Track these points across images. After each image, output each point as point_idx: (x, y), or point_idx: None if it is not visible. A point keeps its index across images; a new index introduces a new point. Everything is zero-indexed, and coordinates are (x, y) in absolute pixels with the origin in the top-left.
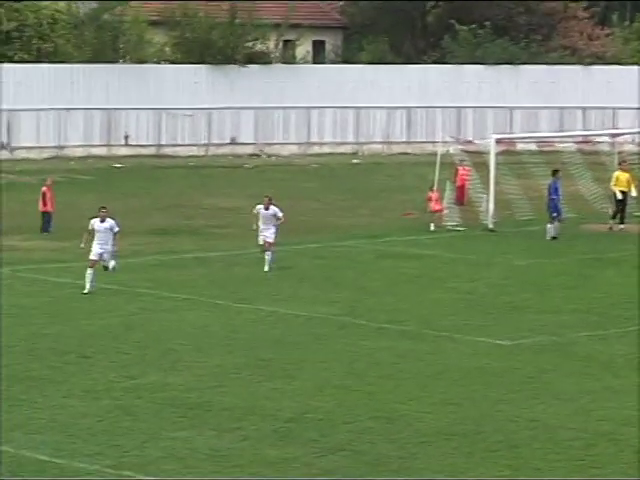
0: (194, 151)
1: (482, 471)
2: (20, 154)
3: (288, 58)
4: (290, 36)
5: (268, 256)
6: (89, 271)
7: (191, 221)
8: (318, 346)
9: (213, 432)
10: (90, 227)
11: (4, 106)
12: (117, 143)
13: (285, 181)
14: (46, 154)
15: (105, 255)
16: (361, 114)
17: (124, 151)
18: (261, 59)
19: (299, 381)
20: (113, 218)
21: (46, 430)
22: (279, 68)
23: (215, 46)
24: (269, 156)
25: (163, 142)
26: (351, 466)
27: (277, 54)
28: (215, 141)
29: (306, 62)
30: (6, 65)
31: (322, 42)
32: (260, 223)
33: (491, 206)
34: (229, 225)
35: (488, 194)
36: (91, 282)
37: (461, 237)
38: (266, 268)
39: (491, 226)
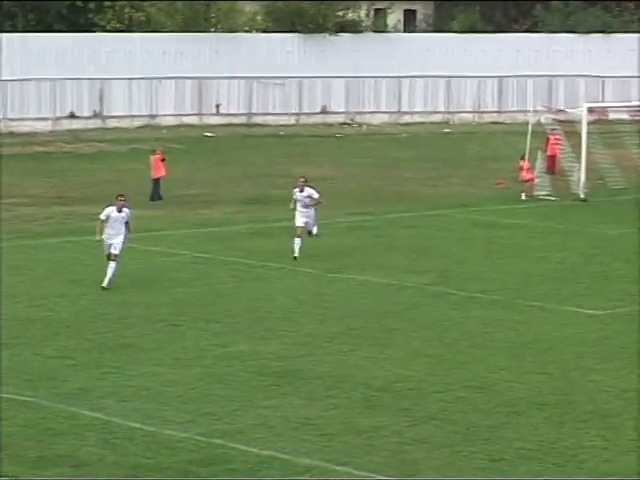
0: (285, 120)
1: (573, 441)
2: (112, 123)
3: (379, 27)
4: (381, 5)
5: (298, 244)
6: None
7: (281, 190)
8: (409, 315)
9: (304, 401)
10: (104, 216)
11: (96, 75)
12: (208, 112)
13: (376, 150)
14: (137, 123)
15: (115, 247)
16: (452, 83)
17: (215, 120)
18: (352, 28)
19: (390, 350)
20: (129, 208)
21: (137, 398)
22: (370, 37)
23: (306, 15)
24: (360, 125)
25: (254, 111)
26: (442, 435)
27: (368, 23)
28: (306, 110)
29: (397, 31)
30: (99, 34)
31: (413, 11)
32: (298, 205)
33: (583, 175)
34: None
35: (580, 163)
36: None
37: (552, 206)
38: (296, 254)
39: (582, 195)
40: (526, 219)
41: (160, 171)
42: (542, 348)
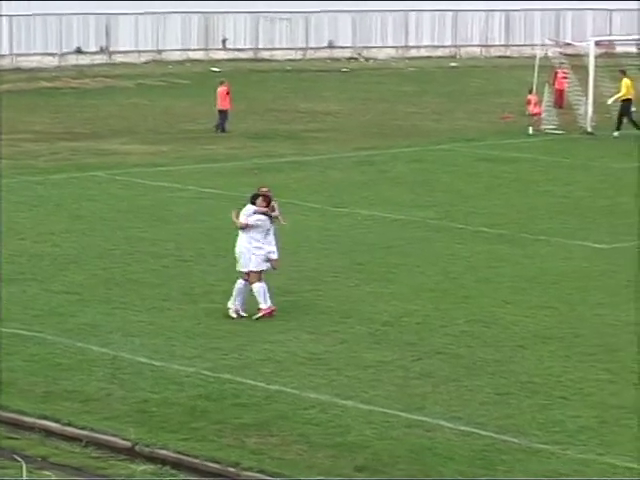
0: (291, 55)
1: (579, 374)
2: (118, 58)
3: None
4: None
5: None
6: None
7: (287, 125)
8: (414, 250)
9: (310, 335)
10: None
11: (103, 10)
12: (215, 47)
13: (382, 84)
14: (144, 58)
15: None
16: (459, 17)
17: (221, 55)
18: None
19: (396, 285)
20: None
21: (145, 333)
22: None
23: None
24: (366, 60)
25: (261, 46)
26: (447, 369)
27: None
28: (312, 45)
29: None
30: None
31: None
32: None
33: (590, 109)
34: (325, 129)
35: (587, 97)
36: None
37: (559, 140)
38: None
39: (589, 129)
40: (531, 153)
41: (225, 103)
42: (548, 282)
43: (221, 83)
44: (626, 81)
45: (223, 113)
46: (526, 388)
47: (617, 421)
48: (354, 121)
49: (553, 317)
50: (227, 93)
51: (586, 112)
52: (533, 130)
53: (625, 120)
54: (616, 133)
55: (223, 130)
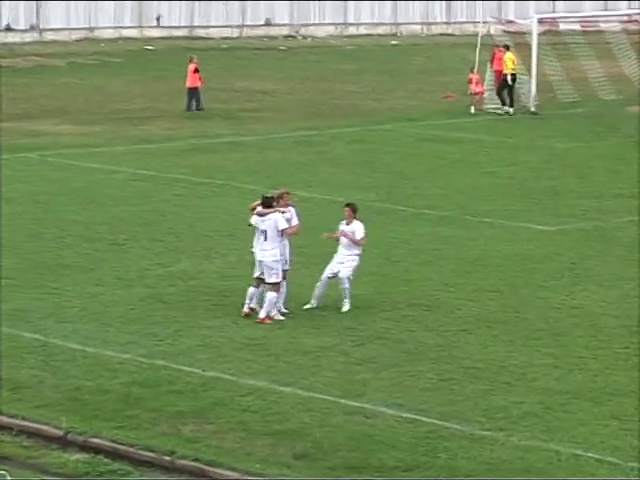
0: (228, 33)
1: (524, 359)
2: (49, 36)
3: None
4: None
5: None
6: None
7: (224, 105)
8: None
9: (248, 320)
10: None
11: None
12: (148, 24)
13: (320, 63)
14: (75, 36)
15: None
16: None
17: (156, 33)
18: None
19: None
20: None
21: (77, 319)
22: None
23: None
24: (304, 37)
25: (196, 23)
26: (389, 355)
27: None
28: (249, 22)
29: None
30: None
31: None
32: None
33: (533, 88)
34: (263, 109)
35: (530, 76)
36: None
37: (502, 120)
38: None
39: (533, 109)
40: (475, 133)
41: (195, 81)
42: (491, 265)
43: (190, 60)
44: (510, 55)
45: (193, 91)
46: (469, 374)
47: (562, 407)
48: (292, 100)
49: (497, 301)
50: (196, 70)
51: (529, 91)
52: (475, 109)
53: (505, 93)
54: (511, 110)
55: (198, 108)
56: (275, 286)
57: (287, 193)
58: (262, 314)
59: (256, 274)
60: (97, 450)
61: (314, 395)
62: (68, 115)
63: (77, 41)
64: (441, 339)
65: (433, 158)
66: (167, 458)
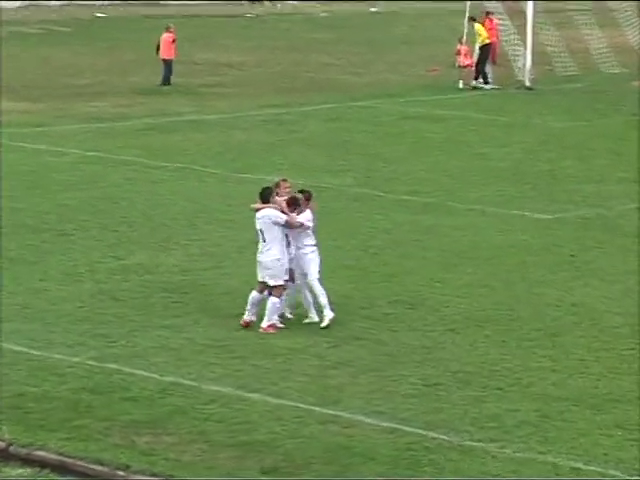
0: None
1: (518, 362)
2: None
3: None
4: None
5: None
6: None
7: (184, 79)
8: (329, 222)
9: (211, 319)
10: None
11: None
12: None
13: (292, 32)
14: (19, 3)
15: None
16: None
17: None
18: None
19: None
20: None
21: (20, 317)
22: None
23: None
24: (273, 4)
25: None
26: (368, 357)
27: None
28: None
29: None
30: None
31: None
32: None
33: (528, 60)
34: (228, 83)
35: (525, 47)
36: None
37: (494, 96)
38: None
39: (528, 83)
40: (463, 110)
41: (170, 52)
42: (482, 258)
43: (166, 29)
44: (478, 27)
45: (167, 63)
46: (457, 378)
47: (560, 415)
48: (261, 74)
49: (488, 297)
50: (173, 41)
51: (524, 64)
52: (463, 84)
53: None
54: (474, 82)
55: (166, 83)
56: (276, 290)
57: (284, 181)
58: (264, 323)
59: (259, 277)
60: (42, 464)
61: (285, 402)
62: (11, 91)
63: (20, 8)
64: (426, 340)
65: (416, 138)
66: (120, 473)
